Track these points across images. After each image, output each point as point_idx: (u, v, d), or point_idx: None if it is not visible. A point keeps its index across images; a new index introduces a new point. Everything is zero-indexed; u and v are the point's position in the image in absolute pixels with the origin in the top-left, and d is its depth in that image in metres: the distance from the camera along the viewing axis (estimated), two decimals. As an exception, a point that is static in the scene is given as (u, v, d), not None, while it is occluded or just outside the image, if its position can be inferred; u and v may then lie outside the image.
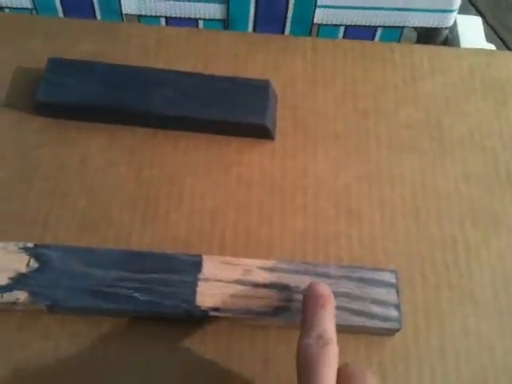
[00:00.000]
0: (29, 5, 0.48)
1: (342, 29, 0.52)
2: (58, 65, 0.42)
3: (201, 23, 0.50)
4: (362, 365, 0.35)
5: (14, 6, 0.48)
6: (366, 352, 0.36)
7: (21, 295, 0.33)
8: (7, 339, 0.34)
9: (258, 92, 0.43)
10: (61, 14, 0.49)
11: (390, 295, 0.36)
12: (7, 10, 0.49)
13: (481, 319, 0.37)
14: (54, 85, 0.42)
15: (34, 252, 0.35)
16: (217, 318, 0.35)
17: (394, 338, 0.36)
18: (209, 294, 0.35)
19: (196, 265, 0.36)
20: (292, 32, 0.50)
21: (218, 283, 0.35)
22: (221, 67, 0.46)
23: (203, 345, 0.35)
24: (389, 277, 0.36)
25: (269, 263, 0.36)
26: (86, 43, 0.46)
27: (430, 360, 0.36)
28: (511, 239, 0.41)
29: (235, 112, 0.42)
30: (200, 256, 0.36)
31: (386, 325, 0.35)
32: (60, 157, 0.41)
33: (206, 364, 0.35)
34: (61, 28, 0.47)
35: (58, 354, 0.34)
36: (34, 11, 0.49)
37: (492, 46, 0.56)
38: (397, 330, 0.35)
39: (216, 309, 0.34)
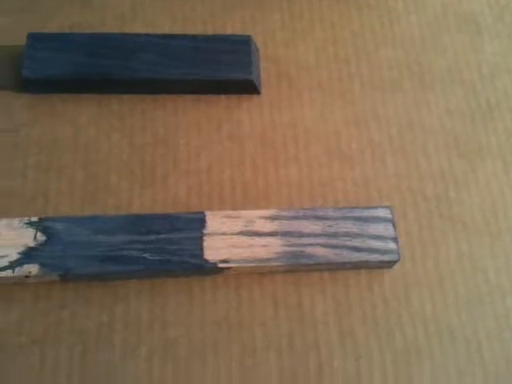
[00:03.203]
0: (-2, -18, 0.48)
1: (314, -23, 0.52)
2: (38, 39, 0.42)
3: (173, -16, 0.50)
4: (366, 297, 0.37)
5: (-17, -15, 0.48)
6: (368, 285, 0.38)
7: (32, 268, 0.34)
8: (24, 311, 0.35)
9: (241, 48, 0.44)
10: (31, -12, 0.48)
11: (387, 230, 0.37)
12: (-24, -10, 0.49)
13: (472, 244, 0.39)
14: (37, 60, 0.42)
15: (39, 226, 0.36)
16: (225, 269, 0.36)
17: (394, 270, 0.38)
18: (215, 248, 0.36)
19: (200, 221, 0.37)
20: (265, -15, 0.50)
21: (223, 236, 0.36)
22: (199, 27, 0.47)
23: (215, 295, 0.37)
24: (384, 213, 0.38)
25: (269, 212, 0.38)
26: (61, 16, 0.46)
27: (428, 285, 0.38)
28: (496, 167, 0.42)
29: (220, 70, 0.43)
30: (203, 213, 0.37)
31: (386, 257, 0.37)
32: (51, 131, 0.41)
33: (220, 312, 0.36)
34: (34, 3, 0.46)
35: (75, 322, 0.35)
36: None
37: (462, -19, 0.57)
38: (396, 262, 0.37)
39: (224, 260, 0.36)
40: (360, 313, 0.37)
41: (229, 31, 0.46)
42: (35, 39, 0.42)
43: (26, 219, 0.36)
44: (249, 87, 0.43)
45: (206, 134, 0.42)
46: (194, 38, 0.44)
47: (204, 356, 0.35)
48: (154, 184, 0.40)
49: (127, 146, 0.41)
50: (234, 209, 0.39)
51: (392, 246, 0.37)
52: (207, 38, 0.44)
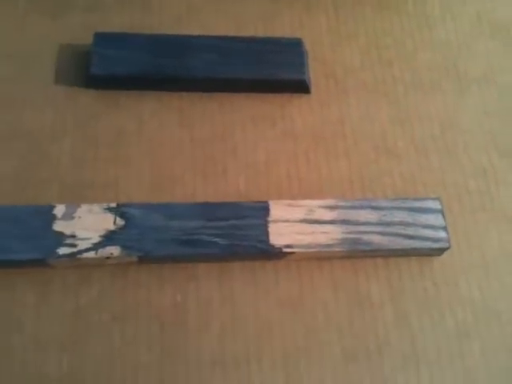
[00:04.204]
0: (59, -17, 0.50)
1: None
2: (104, 38, 0.45)
3: (224, -11, 0.52)
4: (417, 281, 0.40)
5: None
6: (419, 270, 0.41)
7: (114, 250, 0.37)
8: (103, 290, 0.38)
9: (293, 49, 0.46)
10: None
11: (437, 220, 0.40)
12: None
13: (514, 235, 0.43)
14: (103, 58, 0.44)
15: (117, 211, 0.38)
16: (288, 254, 0.39)
17: (442, 258, 0.41)
18: (280, 234, 0.39)
19: (264, 209, 0.39)
20: (310, -9, 0.53)
21: (286, 223, 0.39)
22: (250, 29, 0.49)
23: (277, 278, 0.39)
24: (434, 204, 0.41)
25: (328, 202, 0.40)
26: (121, 16, 0.48)
27: (475, 273, 0.41)
28: (532, 164, 0.45)
29: (275, 70, 0.45)
30: (266, 202, 0.40)
31: (438, 245, 0.39)
32: (117, 125, 0.44)
33: (283, 294, 0.39)
34: (96, 4, 0.49)
35: (151, 300, 0.38)
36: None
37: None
38: (446, 249, 0.40)
39: (288, 245, 0.38)
40: (413, 296, 0.40)
41: (278, 34, 0.49)
42: (101, 38, 0.45)
43: (105, 205, 0.38)
44: (301, 87, 0.46)
45: (261, 130, 0.45)
46: (250, 39, 0.47)
47: (271, 333, 0.37)
48: (216, 175, 0.43)
49: (188, 139, 0.44)
50: (290, 199, 0.42)
51: (442, 234, 0.40)
52: (262, 40, 0.47)
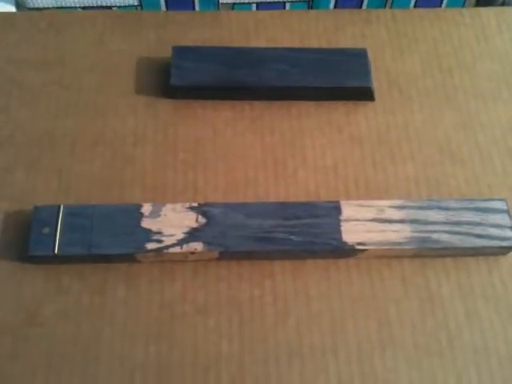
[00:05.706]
0: (135, 2, 0.54)
1: (413, -1, 0.57)
2: (181, 51, 0.48)
3: (288, 5, 0.55)
4: (485, 281, 0.41)
5: (122, 5, 0.54)
6: (487, 269, 0.42)
7: (197, 246, 0.39)
8: (186, 284, 0.40)
9: (358, 59, 0.49)
10: (163, 8, 0.54)
11: (503, 220, 0.42)
12: (114, 9, 0.55)
13: None
14: (181, 70, 0.47)
15: (199, 210, 0.41)
16: (361, 251, 0.40)
17: (508, 256, 0.42)
18: (352, 232, 0.41)
19: (336, 209, 0.41)
20: (369, 5, 0.56)
21: (357, 222, 0.41)
22: (315, 42, 0.52)
23: (349, 275, 0.41)
24: (500, 205, 0.42)
25: (397, 202, 0.42)
26: (193, 32, 0.52)
27: (543, 272, 0.42)
28: None
29: (341, 79, 0.48)
30: (338, 202, 0.42)
31: (506, 243, 0.41)
32: (194, 132, 0.47)
33: (355, 290, 0.41)
34: (169, 20, 0.52)
35: (231, 294, 0.40)
36: (139, 8, 0.54)
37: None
38: (513, 248, 0.41)
39: (361, 243, 0.40)
40: (482, 293, 0.41)
41: (341, 45, 0.52)
42: (179, 51, 0.48)
43: (187, 204, 0.41)
44: (366, 94, 0.48)
45: (328, 136, 0.47)
46: (317, 50, 0.49)
47: (345, 327, 0.39)
48: (286, 177, 0.45)
49: (260, 145, 0.47)
50: (358, 200, 0.44)
51: (510, 233, 0.41)
52: (328, 51, 0.49)
